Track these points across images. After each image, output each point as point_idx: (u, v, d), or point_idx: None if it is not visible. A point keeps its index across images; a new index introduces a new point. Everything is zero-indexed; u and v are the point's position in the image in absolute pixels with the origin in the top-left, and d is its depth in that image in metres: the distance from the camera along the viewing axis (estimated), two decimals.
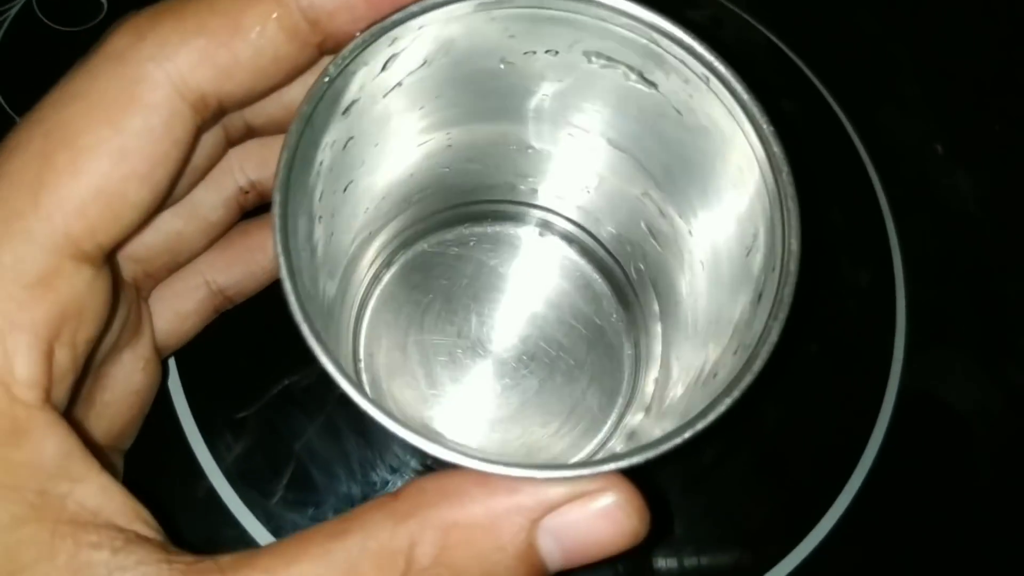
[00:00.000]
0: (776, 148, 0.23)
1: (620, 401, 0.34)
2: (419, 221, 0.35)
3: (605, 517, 0.19)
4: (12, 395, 0.19)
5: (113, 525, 0.19)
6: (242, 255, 0.30)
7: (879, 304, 0.41)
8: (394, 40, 0.24)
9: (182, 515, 0.34)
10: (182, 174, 0.23)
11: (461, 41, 0.25)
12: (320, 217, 0.26)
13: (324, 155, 0.24)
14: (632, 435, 0.32)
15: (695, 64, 0.24)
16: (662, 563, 0.35)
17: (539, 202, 0.35)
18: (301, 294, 0.20)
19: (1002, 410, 0.40)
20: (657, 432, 0.21)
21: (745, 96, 0.23)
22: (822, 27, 0.50)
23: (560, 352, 0.35)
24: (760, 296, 0.23)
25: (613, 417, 0.34)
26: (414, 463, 0.35)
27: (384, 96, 0.26)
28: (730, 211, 0.26)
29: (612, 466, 0.19)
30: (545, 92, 0.28)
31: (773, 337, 0.21)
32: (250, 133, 0.27)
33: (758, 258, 0.24)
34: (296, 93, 0.23)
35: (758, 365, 0.21)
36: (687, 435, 0.20)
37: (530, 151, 0.32)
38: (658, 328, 0.33)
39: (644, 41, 0.24)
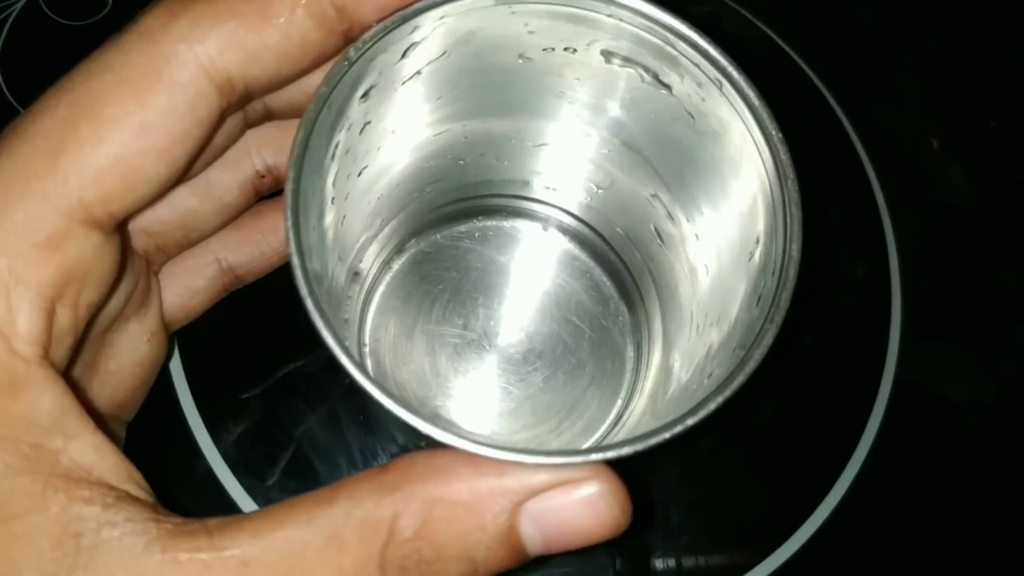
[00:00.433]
0: (784, 155, 0.23)
1: (620, 402, 0.34)
2: (432, 211, 0.35)
3: (587, 505, 0.20)
4: (12, 348, 0.20)
5: (105, 483, 0.20)
6: (254, 236, 0.30)
7: (875, 297, 0.42)
8: (415, 28, 0.24)
9: (181, 499, 0.34)
10: (201, 154, 0.24)
11: (481, 33, 0.26)
12: (333, 199, 0.26)
13: (340, 137, 0.25)
14: (628, 433, 0.32)
15: (709, 68, 0.24)
16: (658, 554, 0.35)
17: (551, 199, 0.36)
18: (308, 270, 0.21)
19: (996, 403, 0.40)
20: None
21: (757, 102, 0.23)
22: (819, 22, 0.50)
23: (564, 350, 0.35)
24: (759, 299, 0.23)
25: (612, 417, 0.34)
26: (412, 448, 0.35)
27: (403, 83, 0.26)
28: (735, 215, 0.26)
29: (599, 456, 0.20)
30: (561, 89, 0.29)
31: (768, 340, 0.21)
32: (268, 117, 0.27)
33: (759, 262, 0.24)
34: (317, 80, 0.23)
35: (751, 367, 0.21)
36: (676, 430, 0.20)
37: (544, 148, 0.32)
38: (660, 330, 0.33)
39: (660, 43, 0.25)
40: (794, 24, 0.48)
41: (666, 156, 0.29)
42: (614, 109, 0.29)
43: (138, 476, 0.21)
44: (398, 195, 0.32)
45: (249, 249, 0.30)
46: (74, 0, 0.43)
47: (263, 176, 0.29)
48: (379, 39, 0.23)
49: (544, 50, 0.27)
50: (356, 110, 0.25)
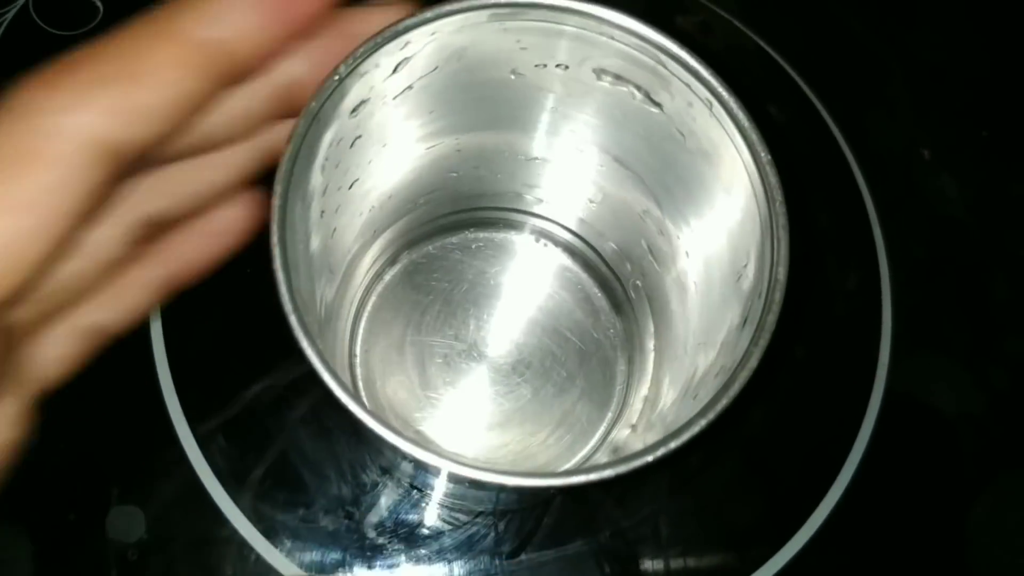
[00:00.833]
0: (772, 178, 0.23)
1: (609, 415, 0.34)
2: (425, 223, 0.35)
3: None
4: None
5: None
6: (127, 291, 0.28)
7: (865, 308, 0.42)
8: (406, 44, 0.24)
9: (171, 514, 0.34)
10: (85, 225, 0.22)
11: (473, 49, 0.26)
12: (323, 212, 0.26)
13: (330, 152, 0.25)
14: (617, 450, 0.32)
15: (700, 88, 0.24)
16: (648, 565, 0.35)
17: (543, 212, 0.36)
18: (293, 286, 0.21)
19: (987, 413, 0.40)
20: (640, 448, 0.21)
21: (746, 123, 0.23)
22: (811, 32, 0.50)
23: (554, 363, 0.35)
24: (745, 321, 0.23)
25: (601, 431, 0.34)
26: (398, 460, 0.35)
27: (394, 98, 0.26)
28: (725, 235, 0.26)
29: (580, 479, 0.20)
30: (553, 105, 0.29)
31: (752, 363, 0.21)
32: (151, 164, 0.25)
33: (747, 283, 0.24)
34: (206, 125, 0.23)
35: (735, 389, 0.21)
36: (659, 453, 0.20)
37: (537, 162, 0.32)
38: (651, 345, 0.33)
39: (651, 62, 0.25)
40: (785, 34, 0.48)
41: (657, 173, 0.29)
42: (606, 126, 0.29)
43: None
44: (390, 208, 0.32)
45: (121, 305, 0.28)
46: (65, 10, 0.43)
47: (144, 228, 0.27)
48: (369, 54, 0.23)
49: (536, 66, 0.27)
50: (346, 124, 0.25)
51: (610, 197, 0.32)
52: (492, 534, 0.34)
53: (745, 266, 0.24)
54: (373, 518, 0.34)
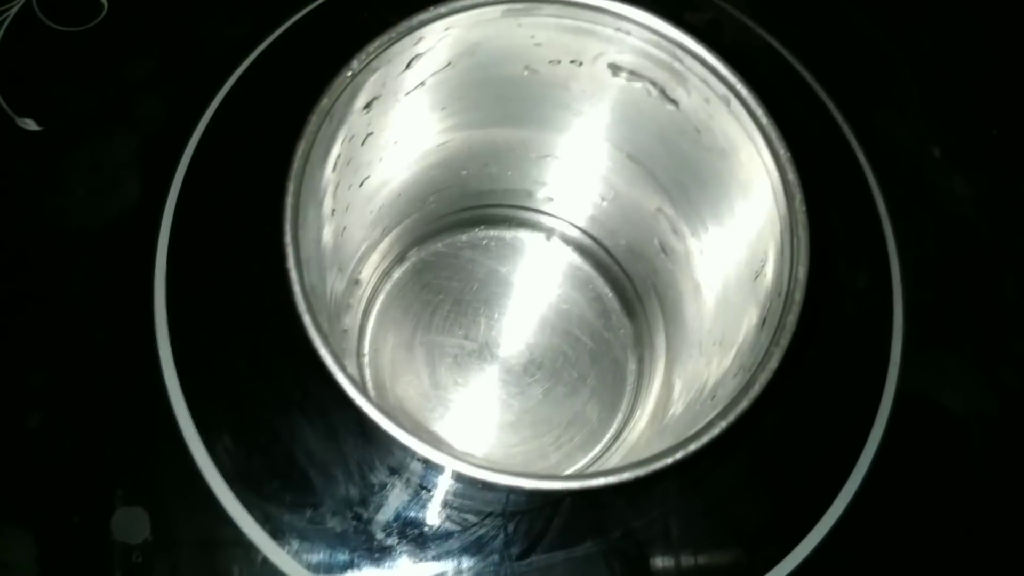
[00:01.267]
0: (792, 175, 0.23)
1: (620, 416, 0.34)
2: (434, 220, 0.35)
3: None
4: None
5: None
6: None
7: (876, 306, 0.41)
8: (419, 40, 0.24)
9: (177, 515, 0.33)
10: None
11: (486, 45, 0.25)
12: (334, 210, 0.26)
13: (342, 149, 0.24)
14: (628, 450, 0.32)
15: (717, 84, 0.24)
16: (659, 565, 0.35)
17: (554, 210, 0.35)
18: (306, 285, 0.21)
19: (998, 413, 0.40)
20: (652, 449, 0.21)
21: (765, 120, 0.23)
22: (821, 30, 0.50)
23: (565, 363, 0.35)
24: (764, 321, 0.23)
25: (612, 431, 0.34)
26: (408, 460, 0.35)
27: (407, 94, 0.26)
28: (742, 234, 0.26)
29: (599, 482, 0.19)
30: (567, 101, 0.28)
31: (773, 364, 0.21)
32: None
33: (765, 283, 0.23)
34: None
35: (756, 390, 0.21)
36: (678, 455, 0.20)
37: (548, 159, 0.32)
38: (663, 345, 0.33)
39: (667, 58, 0.24)
40: (795, 32, 0.48)
41: (672, 171, 0.28)
42: (620, 123, 0.28)
43: None
44: (400, 205, 0.32)
45: None
46: (69, 6, 0.43)
47: None
48: (383, 50, 0.23)
49: (550, 62, 0.27)
50: (358, 121, 0.24)
51: (622, 195, 0.32)
52: (501, 535, 0.34)
53: (763, 265, 0.24)
54: (381, 519, 0.34)
